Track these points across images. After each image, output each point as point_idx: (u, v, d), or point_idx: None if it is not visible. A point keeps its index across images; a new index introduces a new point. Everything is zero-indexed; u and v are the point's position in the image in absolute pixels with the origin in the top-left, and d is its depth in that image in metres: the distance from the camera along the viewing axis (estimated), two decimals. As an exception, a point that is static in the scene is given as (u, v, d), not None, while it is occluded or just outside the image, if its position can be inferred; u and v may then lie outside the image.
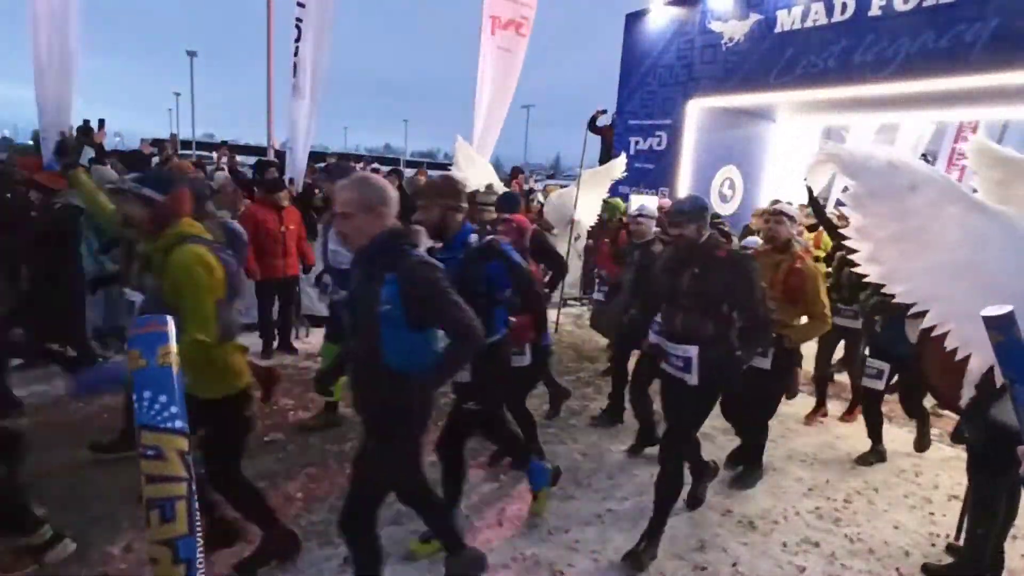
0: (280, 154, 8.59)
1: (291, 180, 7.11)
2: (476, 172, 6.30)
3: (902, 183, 2.04)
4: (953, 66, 5.11)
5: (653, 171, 7.96)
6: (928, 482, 4.05)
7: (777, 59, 6.54)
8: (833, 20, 6.09)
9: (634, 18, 8.23)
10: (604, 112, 9.33)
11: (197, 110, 37.86)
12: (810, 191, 4.66)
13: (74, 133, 5.83)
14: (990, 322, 1.50)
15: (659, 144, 7.94)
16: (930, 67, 5.26)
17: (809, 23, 6.30)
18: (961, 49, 5.10)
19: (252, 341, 5.84)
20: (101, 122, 7.25)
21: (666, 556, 3.12)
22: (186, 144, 34.98)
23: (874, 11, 5.73)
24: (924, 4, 5.36)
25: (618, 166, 6.99)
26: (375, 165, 13.72)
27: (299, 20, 7.41)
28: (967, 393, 2.31)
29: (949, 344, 2.01)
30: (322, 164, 8.83)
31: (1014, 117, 9.15)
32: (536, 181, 27.58)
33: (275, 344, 5.92)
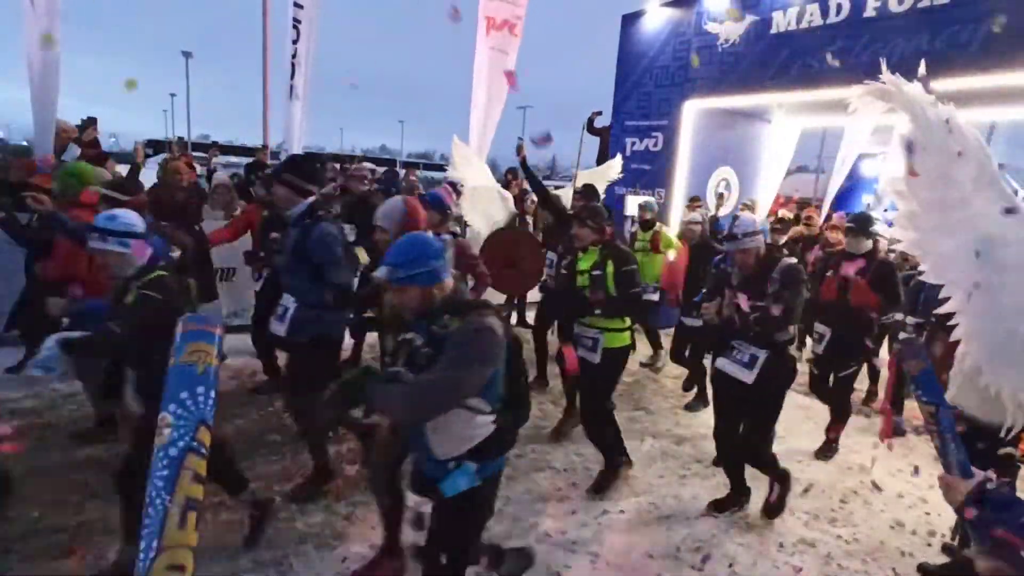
0: (274, 155, 8.59)
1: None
2: (473, 173, 6.28)
3: (953, 146, 1.86)
4: (948, 67, 5.12)
5: (649, 172, 7.96)
6: (924, 482, 4.06)
7: (773, 60, 6.56)
8: (828, 21, 6.10)
9: (630, 19, 8.23)
10: (600, 113, 9.33)
11: (192, 111, 37.77)
12: (523, 161, 5.41)
13: (64, 131, 5.80)
14: (908, 352, 1.50)
15: (655, 145, 7.94)
16: (926, 69, 5.28)
17: (804, 24, 6.31)
18: (956, 50, 5.12)
19: (248, 341, 5.83)
20: (91, 120, 7.19)
21: (663, 556, 3.12)
22: (182, 145, 34.93)
23: (869, 12, 5.75)
24: (919, 5, 5.37)
25: (614, 167, 6.99)
26: (368, 164, 13.65)
27: (297, 21, 7.42)
28: (953, 388, 2.25)
29: (955, 335, 1.93)
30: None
31: (1000, 118, 9.21)
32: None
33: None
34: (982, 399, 2.12)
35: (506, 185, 7.67)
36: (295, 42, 7.48)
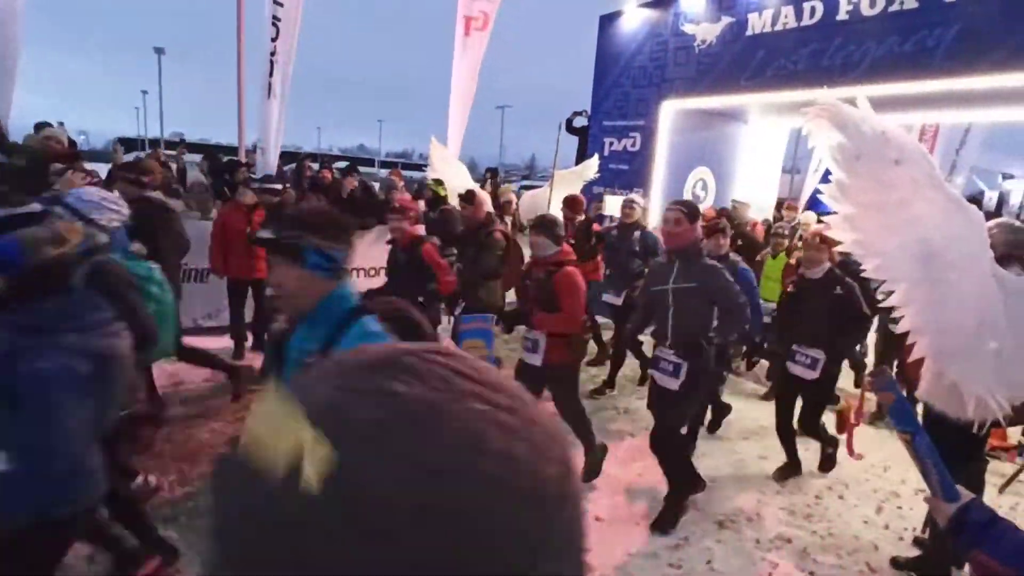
0: (249, 153, 8.46)
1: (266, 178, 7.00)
2: (451, 173, 6.27)
3: (889, 155, 2.01)
4: (917, 70, 5.23)
5: (627, 172, 8.01)
6: (896, 477, 4.15)
7: (748, 61, 6.63)
8: (802, 23, 6.19)
9: (608, 19, 8.27)
10: (580, 113, 9.37)
11: (166, 109, 37.01)
12: None
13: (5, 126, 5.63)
14: (879, 383, 1.54)
15: (633, 145, 7.99)
16: (895, 71, 5.39)
17: (779, 26, 6.39)
18: (924, 54, 5.23)
19: (224, 343, 5.75)
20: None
21: (640, 555, 3.14)
22: (154, 143, 34.22)
23: (842, 15, 5.84)
24: (890, 9, 5.48)
25: (591, 167, 7.02)
26: (338, 164, 13.51)
27: (276, 19, 7.31)
28: (924, 384, 2.31)
29: (902, 327, 2.02)
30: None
31: (976, 120, 9.46)
32: (512, 182, 27.66)
33: (249, 345, 5.82)
34: (949, 395, 2.18)
35: (483, 184, 7.66)
36: (274, 40, 7.38)
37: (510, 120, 52.49)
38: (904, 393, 1.58)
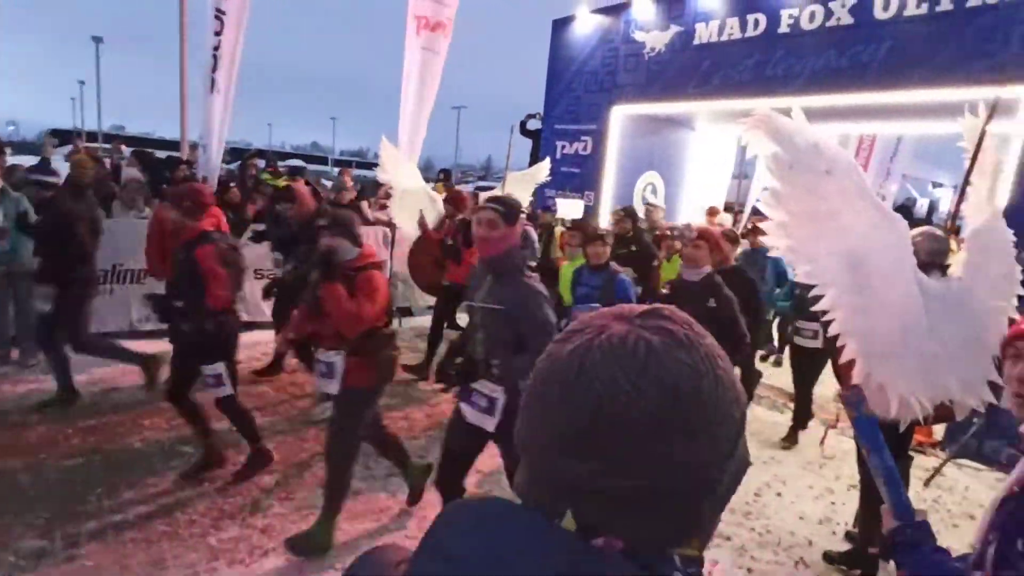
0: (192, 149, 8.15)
1: (204, 179, 6.76)
2: (402, 174, 6.19)
3: (820, 165, 2.07)
4: (852, 83, 5.48)
5: (579, 175, 8.11)
6: (831, 473, 4.32)
7: (696, 70, 6.81)
8: (747, 35, 6.40)
9: (560, 24, 8.35)
10: (535, 116, 9.42)
11: (105, 100, 35.28)
12: None
13: None
14: (848, 399, 1.61)
15: (584, 149, 8.09)
16: (833, 83, 5.63)
17: (725, 37, 6.59)
18: (859, 68, 5.48)
19: (163, 346, 5.49)
20: None
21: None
22: (92, 136, 32.61)
23: (783, 28, 6.07)
24: (827, 24, 5.72)
25: (543, 169, 7.06)
26: (291, 162, 13.18)
27: (221, 12, 7.06)
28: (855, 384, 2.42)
29: (832, 331, 2.11)
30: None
31: (907, 132, 9.98)
32: (468, 182, 27.62)
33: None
34: (877, 396, 2.29)
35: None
36: (218, 34, 7.13)
37: (467, 121, 52.43)
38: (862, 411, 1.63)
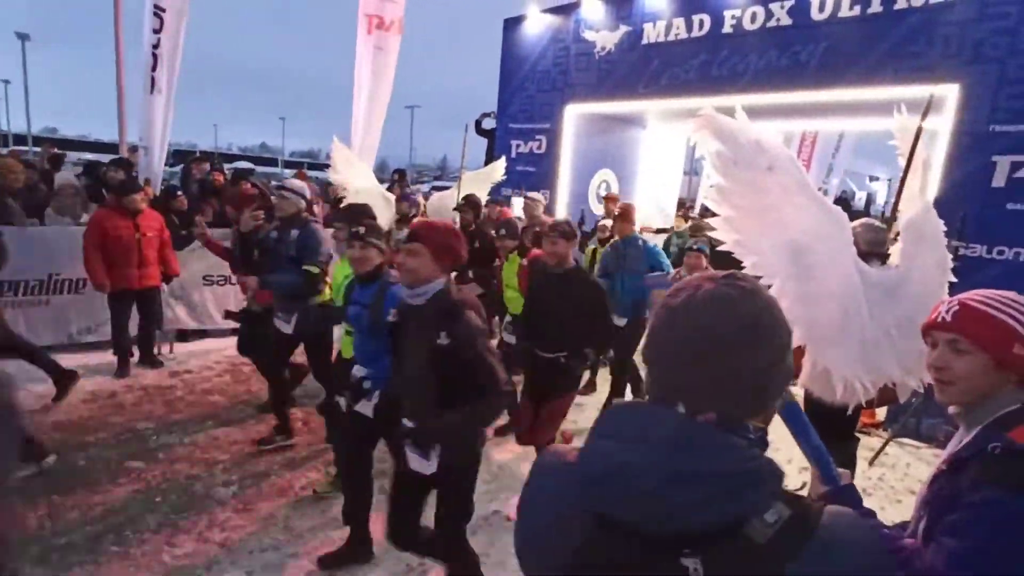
0: (132, 150, 7.83)
1: (147, 181, 6.49)
2: (355, 175, 6.09)
3: (762, 162, 2.16)
4: (792, 82, 5.69)
5: (534, 174, 8.15)
6: (783, 457, 4.48)
7: (645, 69, 6.94)
8: (692, 35, 6.56)
9: (512, 24, 8.37)
10: (490, 115, 9.42)
11: (34, 101, 33.34)
12: None
13: None
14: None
15: (539, 148, 8.14)
16: (774, 82, 5.83)
17: (672, 36, 6.74)
18: (798, 67, 5.70)
19: (106, 359, 5.27)
20: None
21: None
22: (20, 139, 30.86)
23: (727, 28, 6.25)
24: (768, 25, 5.92)
25: (498, 168, 7.08)
26: (238, 164, 12.81)
27: (160, 8, 6.78)
28: (803, 375, 2.52)
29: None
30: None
31: (846, 128, 10.44)
32: (424, 182, 27.39)
33: (134, 360, 5.37)
34: (823, 381, 2.39)
35: (391, 187, 7.52)
36: (157, 31, 6.84)
37: (421, 121, 51.93)
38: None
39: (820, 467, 1.52)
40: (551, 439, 3.65)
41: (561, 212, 7.83)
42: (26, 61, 31.50)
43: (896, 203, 2.74)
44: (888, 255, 2.83)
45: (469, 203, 5.77)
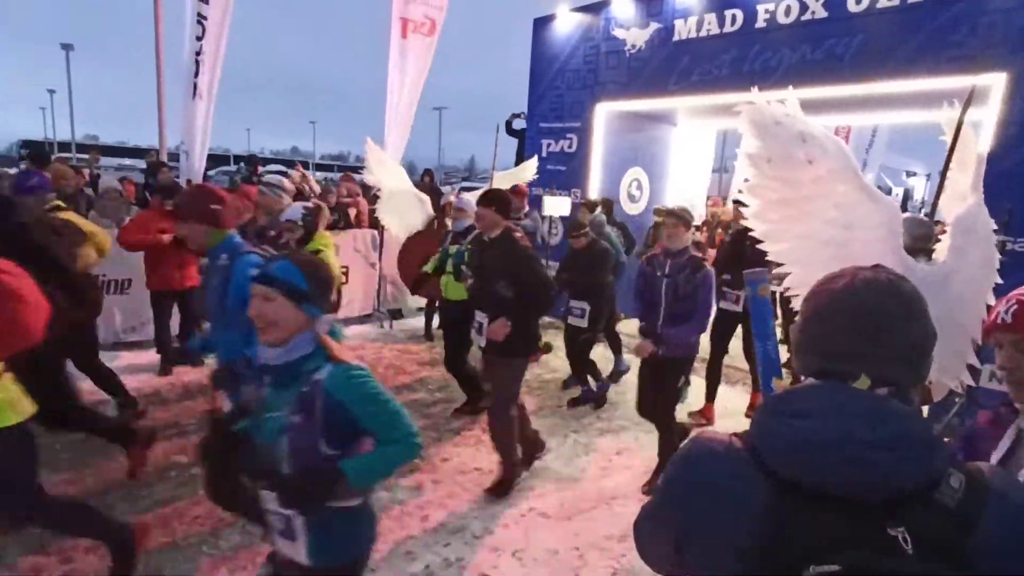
0: (173, 157, 8.08)
1: (188, 183, 6.70)
2: (389, 176, 6.19)
3: (800, 156, 2.15)
4: (827, 76, 5.58)
5: (565, 172, 8.14)
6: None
7: (675, 66, 6.88)
8: (724, 31, 6.47)
9: (542, 23, 8.38)
10: (519, 115, 9.45)
11: (77, 109, 34.60)
12: None
13: None
14: (749, 276, 1.69)
15: (570, 147, 8.13)
16: (808, 76, 5.72)
17: (704, 32, 6.66)
18: (833, 60, 5.58)
19: (149, 358, 5.46)
20: None
21: (588, 547, 3.20)
22: (64, 146, 32.01)
23: (760, 23, 6.16)
24: (802, 19, 5.82)
25: (530, 168, 7.10)
26: (275, 167, 13.07)
27: (203, 17, 6.99)
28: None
29: (795, 306, 2.18)
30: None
31: (881, 122, 10.18)
32: (452, 183, 27.56)
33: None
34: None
35: (422, 187, 7.60)
36: (200, 39, 7.06)
37: (449, 122, 52.29)
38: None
39: (763, 379, 1.54)
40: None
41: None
42: (70, 71, 32.69)
43: (936, 200, 2.66)
44: (933, 251, 2.77)
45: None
